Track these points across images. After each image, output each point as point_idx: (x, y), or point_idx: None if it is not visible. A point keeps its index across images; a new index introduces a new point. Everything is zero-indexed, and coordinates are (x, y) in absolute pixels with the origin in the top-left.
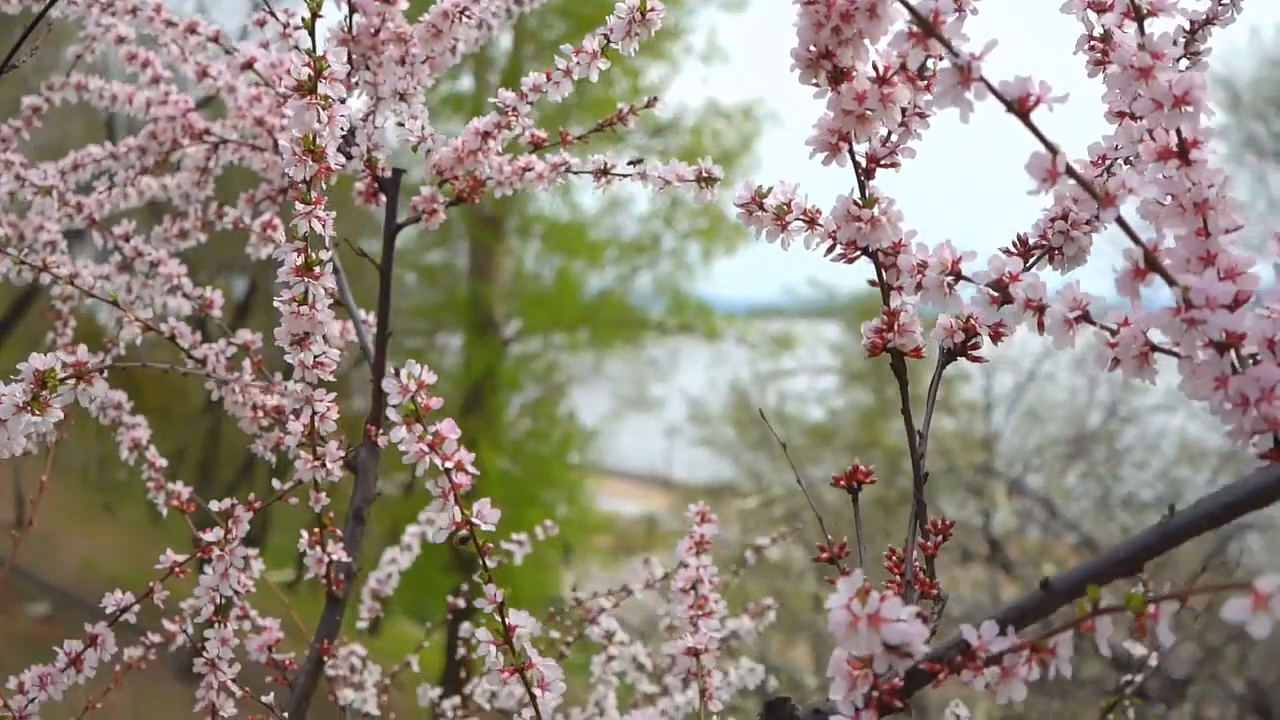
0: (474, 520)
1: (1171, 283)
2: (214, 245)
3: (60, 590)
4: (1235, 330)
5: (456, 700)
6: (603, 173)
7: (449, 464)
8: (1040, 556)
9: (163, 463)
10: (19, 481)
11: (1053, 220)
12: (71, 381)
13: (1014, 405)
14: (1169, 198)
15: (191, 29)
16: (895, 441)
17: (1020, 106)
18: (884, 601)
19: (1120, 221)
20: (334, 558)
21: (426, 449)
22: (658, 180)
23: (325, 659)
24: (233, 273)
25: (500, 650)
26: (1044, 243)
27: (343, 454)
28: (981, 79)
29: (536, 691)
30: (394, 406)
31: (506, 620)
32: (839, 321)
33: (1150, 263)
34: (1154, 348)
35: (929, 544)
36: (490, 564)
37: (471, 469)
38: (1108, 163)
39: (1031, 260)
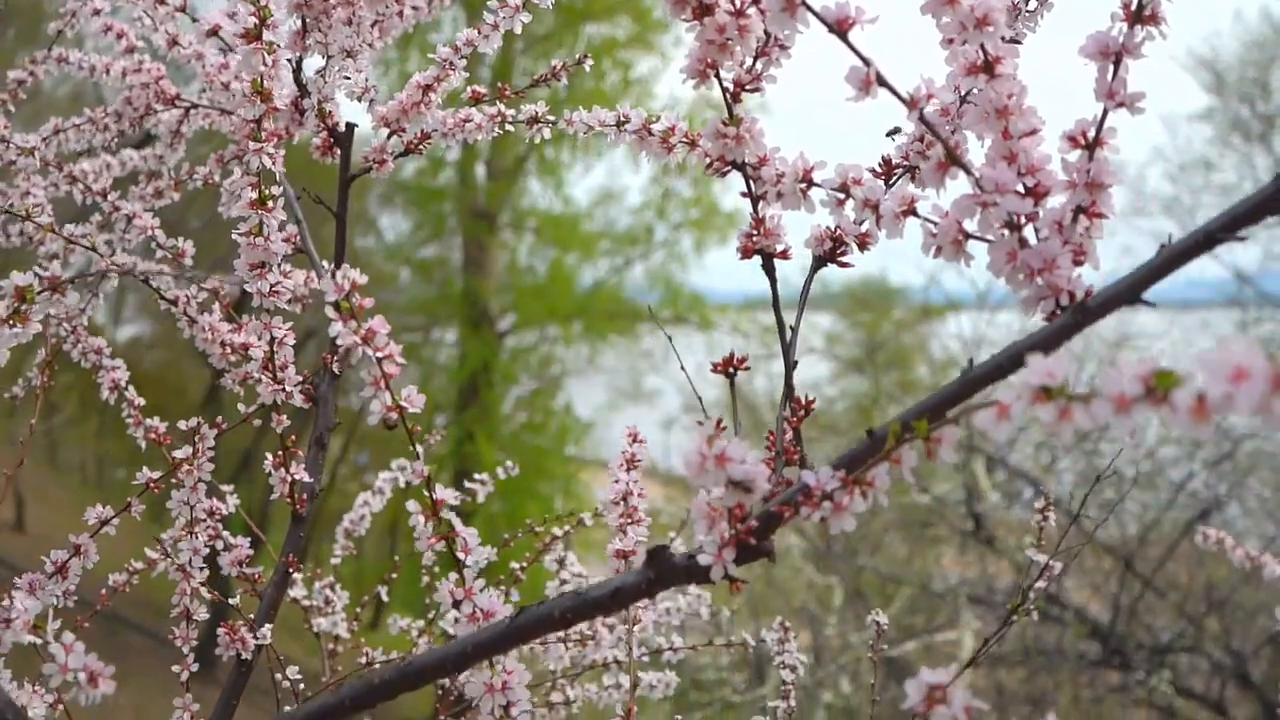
0: (403, 404)
1: (968, 172)
2: (210, 244)
3: None
4: (1021, 212)
5: (422, 624)
6: (534, 120)
7: (380, 354)
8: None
9: (140, 401)
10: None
11: (913, 142)
12: (47, 294)
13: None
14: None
15: None
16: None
17: (840, 27)
18: (729, 444)
19: (924, 121)
20: (296, 478)
21: (360, 341)
22: (581, 126)
23: (291, 572)
24: (229, 272)
25: (428, 520)
26: (905, 162)
27: (301, 379)
28: (804, 4)
29: (460, 555)
30: (330, 304)
31: (434, 495)
32: (832, 311)
33: (951, 157)
34: (967, 235)
35: (794, 419)
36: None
37: (400, 359)
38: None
39: (895, 178)
